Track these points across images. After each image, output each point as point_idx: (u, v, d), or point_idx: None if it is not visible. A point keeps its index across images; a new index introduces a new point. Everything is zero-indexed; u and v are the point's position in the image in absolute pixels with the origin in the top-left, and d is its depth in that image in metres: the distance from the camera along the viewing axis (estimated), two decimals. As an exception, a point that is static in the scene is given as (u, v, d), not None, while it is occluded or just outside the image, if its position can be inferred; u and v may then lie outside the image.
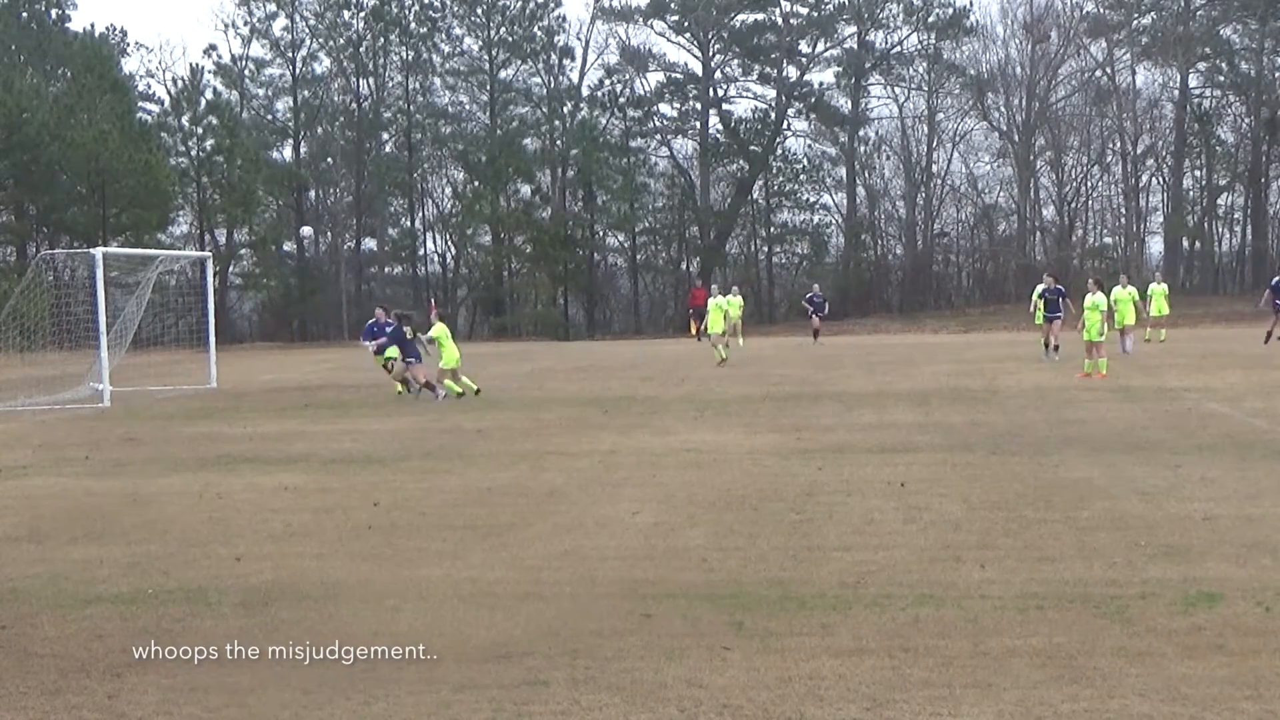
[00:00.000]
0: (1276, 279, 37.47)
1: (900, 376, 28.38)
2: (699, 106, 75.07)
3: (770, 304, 71.53)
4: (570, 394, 26.95)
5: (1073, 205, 71.89)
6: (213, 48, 71.45)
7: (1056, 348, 31.53)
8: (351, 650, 8.68)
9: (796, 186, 74.46)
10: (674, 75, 75.35)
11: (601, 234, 74.05)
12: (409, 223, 73.65)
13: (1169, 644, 8.31)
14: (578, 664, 8.21)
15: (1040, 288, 33.16)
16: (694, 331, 52.21)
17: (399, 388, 27.71)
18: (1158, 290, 40.68)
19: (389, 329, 27.74)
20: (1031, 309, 34.32)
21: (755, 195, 74.69)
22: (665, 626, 9.01)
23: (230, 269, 70.10)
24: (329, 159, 72.28)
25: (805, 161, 74.47)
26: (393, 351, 27.65)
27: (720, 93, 75.64)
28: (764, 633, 8.80)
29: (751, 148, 73.29)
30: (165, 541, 12.53)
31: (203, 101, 67.97)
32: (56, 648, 8.93)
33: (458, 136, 71.88)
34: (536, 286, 70.95)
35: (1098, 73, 71.78)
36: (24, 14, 69.01)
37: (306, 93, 72.32)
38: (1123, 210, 71.59)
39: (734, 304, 46.45)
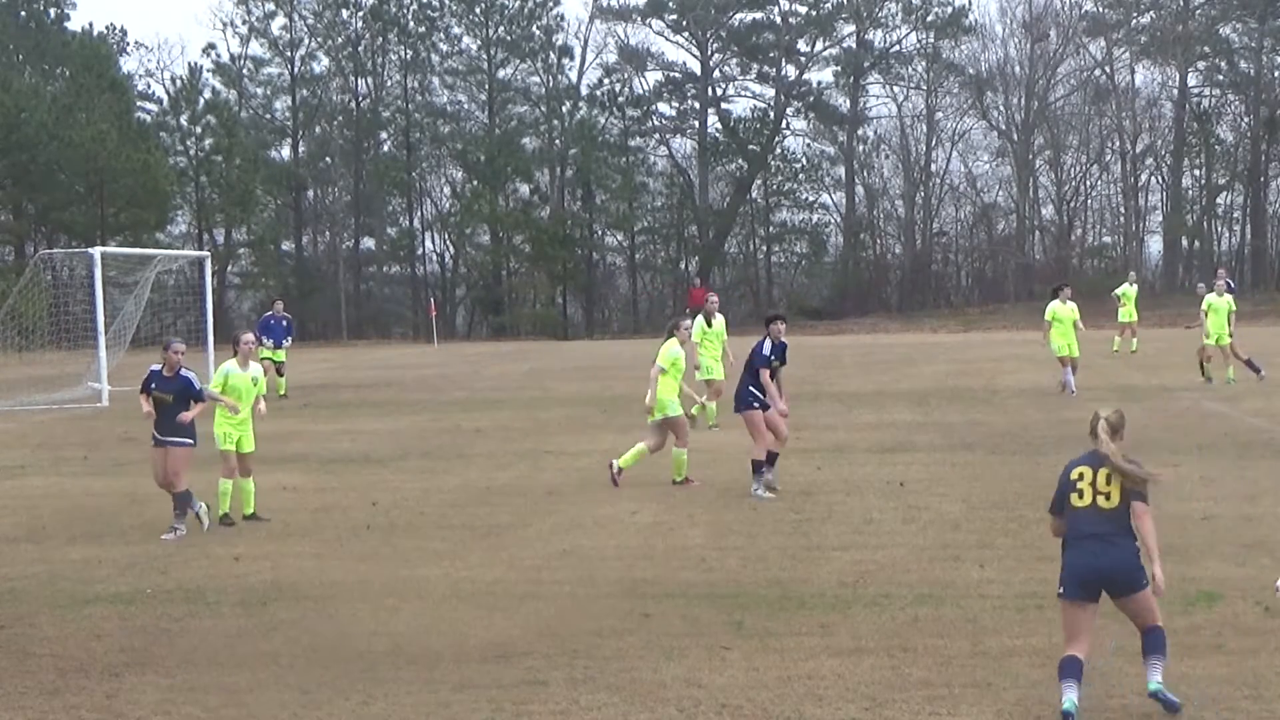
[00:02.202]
0: None
1: (899, 376, 28.37)
2: (697, 106, 75.04)
3: (770, 304, 71.47)
4: (569, 394, 26.95)
5: (1072, 204, 71.90)
6: (211, 47, 71.31)
7: None
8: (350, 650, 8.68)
9: (795, 186, 74.42)
10: (672, 74, 75.36)
11: (600, 233, 74.01)
12: (408, 222, 73.61)
13: (1168, 643, 8.30)
14: (577, 664, 8.20)
15: None
16: None
17: None
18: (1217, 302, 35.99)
19: None
20: None
21: (754, 194, 74.65)
22: (664, 626, 9.00)
23: (229, 268, 70.05)
24: (327, 158, 72.24)
25: (804, 161, 74.44)
26: (281, 354, 27.75)
27: (719, 92, 75.65)
28: (763, 632, 8.80)
29: (750, 147, 73.25)
30: (163, 541, 12.52)
31: (201, 101, 67.92)
32: (55, 647, 8.92)
33: (456, 136, 71.84)
34: (535, 286, 70.94)
35: (1096, 72, 71.78)
36: (22, 13, 68.93)
37: (305, 92, 72.26)
38: (1122, 209, 71.59)
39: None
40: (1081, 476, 7.48)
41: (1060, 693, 7.18)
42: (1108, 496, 7.39)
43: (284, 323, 28.60)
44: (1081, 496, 7.47)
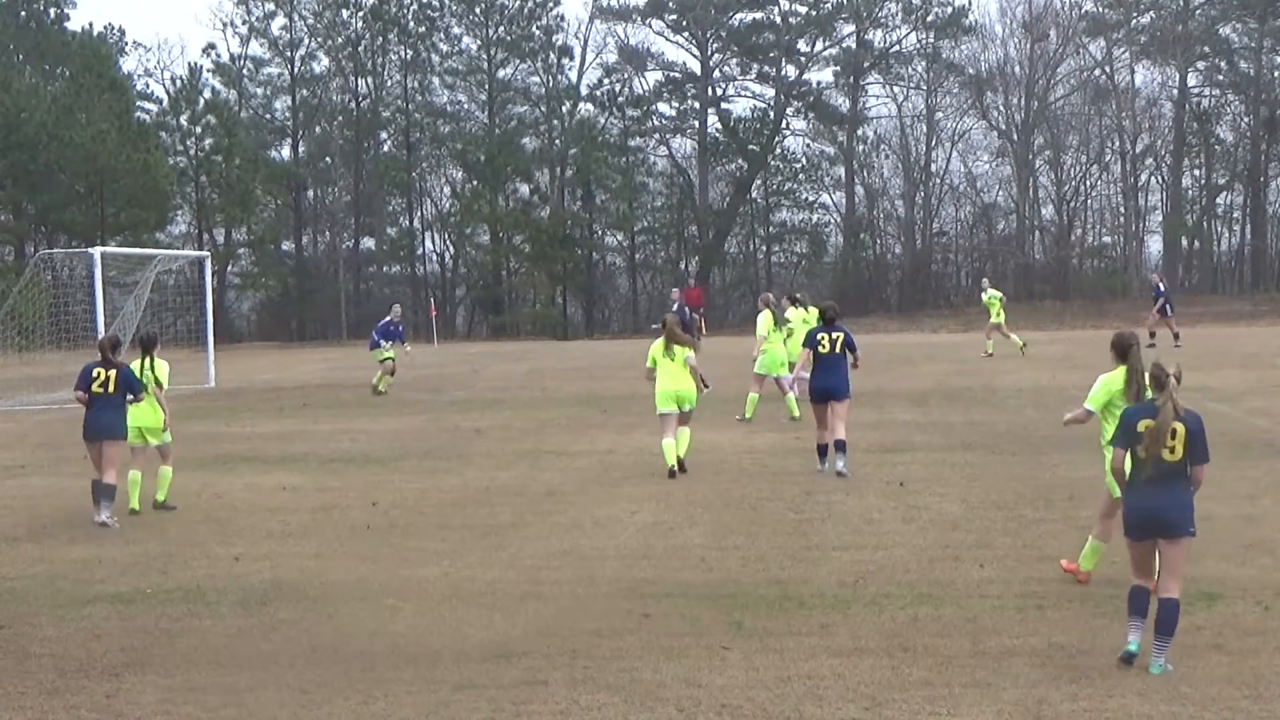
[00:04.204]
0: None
1: (899, 376, 28.37)
2: (697, 106, 75.05)
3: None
4: (569, 393, 26.95)
5: (1072, 204, 71.87)
6: (211, 47, 71.29)
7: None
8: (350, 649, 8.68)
9: (795, 186, 74.44)
10: (672, 74, 75.35)
11: (600, 233, 74.02)
12: (408, 222, 73.62)
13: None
14: (576, 664, 8.20)
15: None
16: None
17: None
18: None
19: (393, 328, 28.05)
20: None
21: (754, 194, 74.66)
22: (664, 626, 9.00)
23: (229, 268, 70.05)
24: (327, 158, 72.23)
25: (804, 161, 74.45)
26: (390, 352, 27.72)
27: (719, 92, 75.65)
28: (763, 632, 8.80)
29: (750, 147, 73.23)
30: (163, 541, 12.52)
31: (201, 101, 67.86)
32: (55, 647, 8.92)
33: (456, 136, 71.83)
34: (535, 286, 70.93)
35: (1096, 72, 71.77)
36: (22, 13, 68.91)
37: (305, 92, 72.26)
38: (1122, 209, 71.58)
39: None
40: (1147, 429, 8.01)
41: (1126, 631, 7.95)
42: (1172, 450, 7.93)
43: (400, 327, 28.59)
44: (1146, 448, 7.96)
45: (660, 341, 15.70)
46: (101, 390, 13.54)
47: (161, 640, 9.06)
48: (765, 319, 21.38)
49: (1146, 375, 9.70)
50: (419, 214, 74.13)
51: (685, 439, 15.75)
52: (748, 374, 21.94)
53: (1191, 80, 70.16)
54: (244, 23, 71.19)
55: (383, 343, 27.84)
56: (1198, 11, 69.83)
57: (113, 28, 70.72)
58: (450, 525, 12.87)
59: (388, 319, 28.63)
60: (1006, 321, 34.21)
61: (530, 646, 8.56)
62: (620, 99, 72.65)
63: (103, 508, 13.27)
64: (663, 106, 75.54)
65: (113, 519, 13.24)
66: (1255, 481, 13.96)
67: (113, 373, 13.61)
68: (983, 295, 34.91)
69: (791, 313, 23.30)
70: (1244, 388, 23.83)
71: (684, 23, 74.15)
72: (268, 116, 73.69)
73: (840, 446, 15.15)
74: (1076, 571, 9.99)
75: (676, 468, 15.42)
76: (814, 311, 21.55)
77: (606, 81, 73.16)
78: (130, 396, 13.69)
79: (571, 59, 72.90)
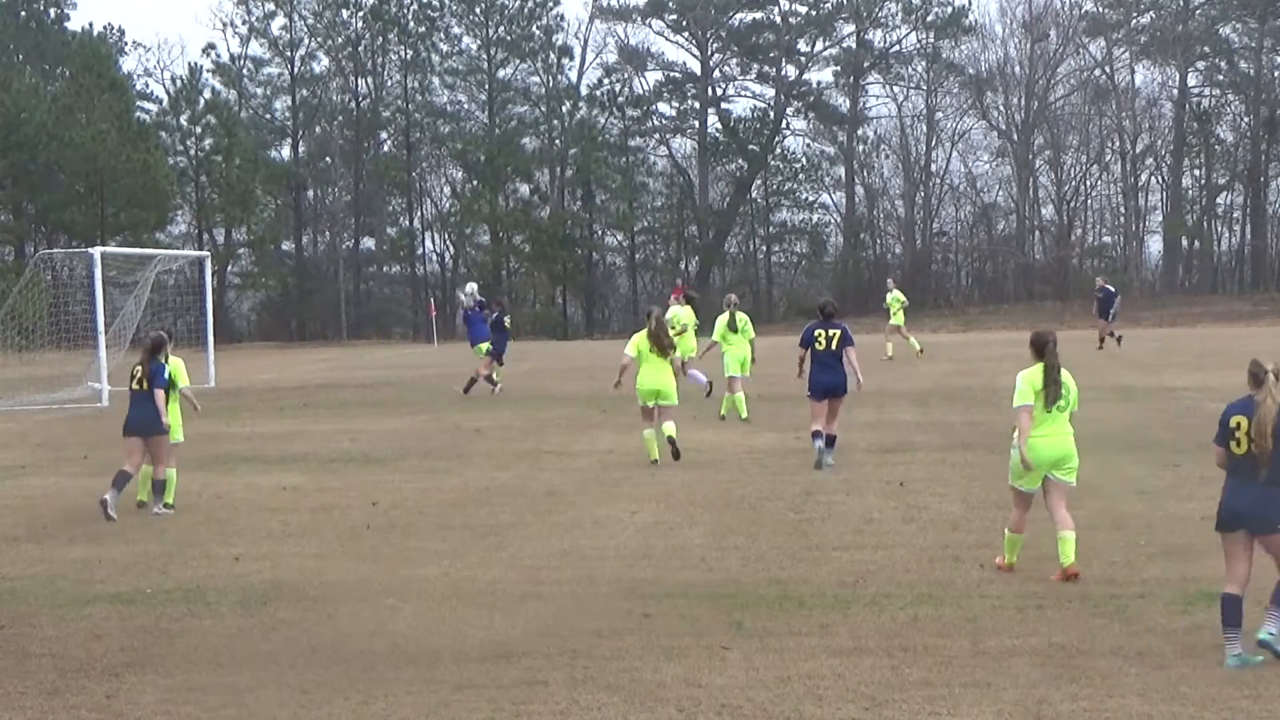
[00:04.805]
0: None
1: (899, 376, 28.37)
2: (697, 105, 75.08)
3: (769, 303, 71.47)
4: (568, 393, 26.95)
5: (1072, 204, 71.90)
6: (211, 47, 71.33)
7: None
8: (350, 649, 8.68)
9: (795, 186, 74.46)
10: (672, 74, 75.39)
11: (600, 233, 74.05)
12: (408, 222, 73.67)
13: (1168, 643, 8.31)
14: (576, 663, 8.20)
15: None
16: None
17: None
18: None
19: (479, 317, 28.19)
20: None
21: (754, 194, 74.69)
22: (664, 626, 9.00)
23: (229, 268, 70.10)
24: (327, 158, 72.27)
25: (804, 160, 74.49)
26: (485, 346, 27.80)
27: (719, 92, 75.70)
28: (763, 632, 8.80)
29: (750, 147, 73.27)
30: (163, 541, 12.52)
31: (201, 101, 67.93)
32: (55, 647, 8.92)
33: (456, 136, 71.87)
34: (535, 286, 70.98)
35: (1096, 71, 71.79)
36: (22, 13, 68.97)
37: (305, 92, 72.31)
38: (1122, 209, 71.61)
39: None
40: (1239, 426, 8.20)
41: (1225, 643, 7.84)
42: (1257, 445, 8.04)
43: (479, 313, 28.58)
44: (1239, 445, 8.14)
45: (645, 336, 16.32)
46: (138, 388, 14.02)
47: (161, 640, 9.05)
48: (716, 319, 22.20)
49: (1061, 370, 9.93)
50: (419, 214, 74.19)
51: (670, 425, 16.38)
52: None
53: (1191, 80, 70.22)
54: (244, 23, 71.30)
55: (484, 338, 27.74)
56: (1198, 11, 69.85)
57: (113, 28, 70.83)
58: (450, 525, 12.87)
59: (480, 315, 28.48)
60: (905, 324, 34.42)
61: (530, 646, 8.56)
62: (620, 99, 72.68)
63: (157, 492, 13.97)
64: (663, 106, 75.68)
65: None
66: (1255, 481, 13.94)
67: (144, 369, 14.04)
68: (887, 295, 34.86)
69: (682, 310, 23.80)
70: (1244, 388, 23.82)
71: (684, 23, 74.17)
72: (268, 116, 73.72)
73: (830, 442, 15.70)
74: (1003, 565, 10.30)
75: (659, 455, 16.11)
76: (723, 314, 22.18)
77: (606, 81, 73.22)
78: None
79: (571, 59, 73.01)
